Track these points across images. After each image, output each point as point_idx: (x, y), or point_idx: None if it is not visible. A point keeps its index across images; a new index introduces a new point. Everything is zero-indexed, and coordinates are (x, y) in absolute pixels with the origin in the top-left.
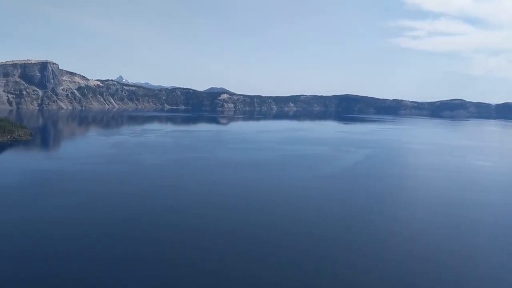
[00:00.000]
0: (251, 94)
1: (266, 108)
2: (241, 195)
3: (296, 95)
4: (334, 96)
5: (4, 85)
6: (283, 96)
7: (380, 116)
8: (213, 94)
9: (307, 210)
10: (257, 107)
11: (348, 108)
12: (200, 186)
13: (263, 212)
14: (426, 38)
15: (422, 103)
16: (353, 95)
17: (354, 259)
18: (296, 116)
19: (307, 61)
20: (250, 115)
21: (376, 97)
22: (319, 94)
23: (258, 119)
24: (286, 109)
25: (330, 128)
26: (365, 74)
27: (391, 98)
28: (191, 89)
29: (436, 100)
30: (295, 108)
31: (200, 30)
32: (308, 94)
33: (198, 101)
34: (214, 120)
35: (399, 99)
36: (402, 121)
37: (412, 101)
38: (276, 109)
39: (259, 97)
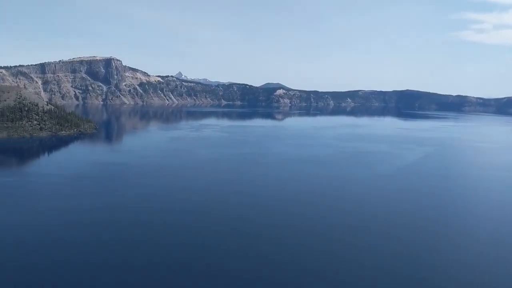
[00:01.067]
0: (308, 90)
1: (322, 104)
2: (297, 191)
3: (354, 91)
4: (394, 92)
5: (72, 80)
6: (341, 92)
7: (442, 113)
8: (269, 90)
9: (367, 210)
10: (313, 103)
11: (408, 104)
12: (256, 182)
13: (321, 209)
14: (492, 31)
15: (488, 100)
16: (414, 90)
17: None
18: (353, 112)
19: (366, 55)
20: (306, 111)
21: (439, 92)
22: (378, 90)
23: (315, 114)
24: (343, 104)
25: (389, 125)
26: (427, 69)
27: (454, 94)
28: (247, 85)
29: (503, 97)
30: (353, 103)
31: (257, 25)
32: (366, 90)
33: (254, 97)
34: (269, 115)
35: (463, 95)
36: (466, 118)
37: (477, 97)
38: (333, 104)
39: (315, 92)
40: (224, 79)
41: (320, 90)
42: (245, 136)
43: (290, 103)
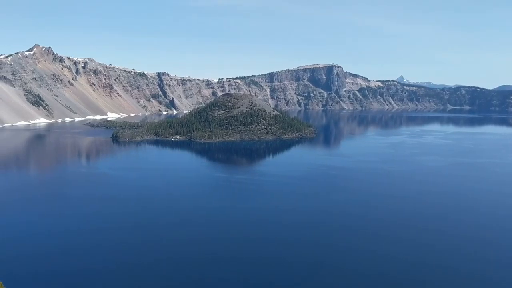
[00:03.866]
0: None
1: None
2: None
3: None
4: None
5: (296, 88)
6: None
7: None
8: (505, 93)
9: None
10: None
11: None
12: (487, 196)
13: None
14: None
15: None
16: None
17: None
18: None
19: None
20: None
21: None
22: None
23: None
24: None
25: None
26: None
27: None
28: (478, 88)
29: None
30: None
31: (491, 20)
32: None
33: (486, 101)
34: (504, 122)
35: None
36: None
37: None
38: None
39: None
40: (451, 81)
41: None
42: (473, 144)
43: None
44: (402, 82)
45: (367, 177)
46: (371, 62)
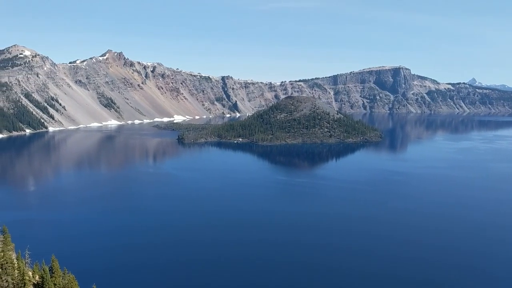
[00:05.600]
0: None
1: None
2: None
3: None
4: None
5: (361, 90)
6: None
7: None
8: None
9: None
10: None
11: None
12: None
13: None
14: None
15: None
16: None
17: None
18: None
19: None
20: None
21: None
22: None
23: None
24: None
25: None
26: None
27: None
28: None
29: None
30: None
31: None
32: None
33: None
34: None
35: None
36: None
37: None
38: None
39: None
40: None
41: None
42: None
43: None
44: (474, 85)
45: (432, 184)
46: (440, 65)
